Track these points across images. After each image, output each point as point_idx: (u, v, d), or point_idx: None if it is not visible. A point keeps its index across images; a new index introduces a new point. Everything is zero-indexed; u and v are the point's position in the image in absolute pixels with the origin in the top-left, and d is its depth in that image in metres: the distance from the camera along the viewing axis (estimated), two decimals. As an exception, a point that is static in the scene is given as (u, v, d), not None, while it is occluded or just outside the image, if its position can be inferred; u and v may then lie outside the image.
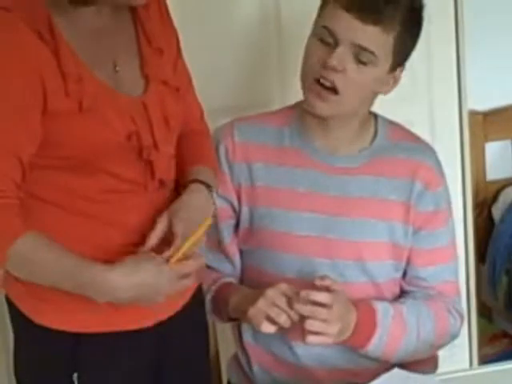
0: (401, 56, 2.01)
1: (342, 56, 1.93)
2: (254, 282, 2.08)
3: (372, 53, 1.95)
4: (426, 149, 2.15)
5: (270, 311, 1.89)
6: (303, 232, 2.03)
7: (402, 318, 2.02)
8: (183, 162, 1.92)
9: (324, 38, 1.95)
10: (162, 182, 1.82)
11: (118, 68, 1.76)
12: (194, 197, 1.84)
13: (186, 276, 1.73)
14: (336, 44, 1.94)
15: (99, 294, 1.68)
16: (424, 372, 2.02)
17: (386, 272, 2.07)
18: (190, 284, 1.77)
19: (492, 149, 3.57)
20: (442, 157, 2.89)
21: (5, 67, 1.63)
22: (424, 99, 2.90)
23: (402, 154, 2.07)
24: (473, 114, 3.28)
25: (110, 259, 1.73)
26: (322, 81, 1.95)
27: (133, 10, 1.82)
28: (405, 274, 2.10)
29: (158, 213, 1.80)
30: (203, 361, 2.03)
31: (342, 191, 2.03)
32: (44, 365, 1.81)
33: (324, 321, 1.89)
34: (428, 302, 2.06)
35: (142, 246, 1.76)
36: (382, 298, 2.05)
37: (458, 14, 2.88)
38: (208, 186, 1.88)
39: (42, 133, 1.68)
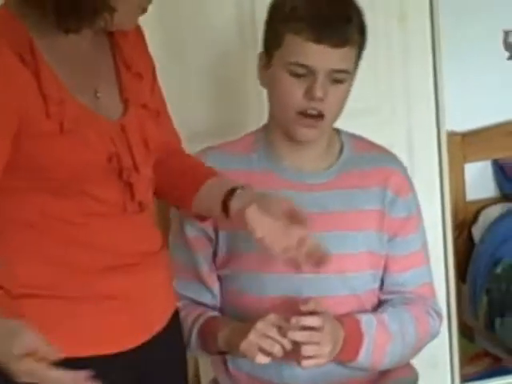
0: (359, 56, 2.08)
1: (324, 85, 1.97)
2: (236, 307, 2.08)
3: (346, 71, 2.00)
4: (392, 157, 2.19)
5: (262, 343, 1.89)
6: None
7: (385, 327, 2.03)
8: (192, 180, 1.93)
9: (296, 71, 1.97)
10: (140, 204, 1.82)
11: (98, 94, 1.77)
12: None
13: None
14: (311, 73, 1.96)
15: None
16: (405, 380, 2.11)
17: (365, 283, 2.08)
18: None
19: (471, 169, 3.60)
20: (421, 178, 2.93)
21: None
22: (403, 122, 2.92)
23: (370, 165, 2.12)
24: (451, 135, 3.29)
25: (88, 281, 1.73)
26: (309, 111, 1.98)
27: (110, 36, 1.83)
28: (381, 283, 2.12)
29: (138, 235, 1.81)
30: (184, 375, 2.02)
31: (318, 207, 2.05)
32: None
33: (317, 343, 1.91)
34: (407, 307, 2.08)
35: (122, 267, 1.77)
36: (363, 310, 2.07)
37: (435, 39, 2.90)
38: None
39: (8, 157, 1.68)
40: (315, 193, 2.07)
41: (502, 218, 3.44)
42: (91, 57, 1.80)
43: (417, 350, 2.12)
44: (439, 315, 2.17)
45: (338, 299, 2.05)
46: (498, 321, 3.28)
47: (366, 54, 2.81)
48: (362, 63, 2.82)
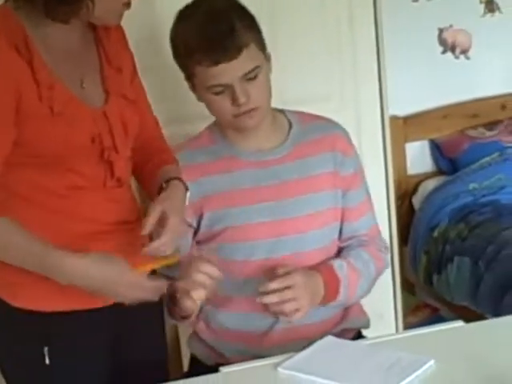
0: (262, 42, 2.07)
1: (242, 90, 1.98)
2: (223, 273, 2.02)
3: (256, 67, 2.00)
4: (335, 124, 2.21)
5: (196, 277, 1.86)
6: (257, 220, 2.07)
7: (353, 267, 2.09)
8: (153, 164, 1.95)
9: (216, 91, 1.99)
10: (119, 180, 1.84)
11: (84, 85, 1.79)
12: (175, 190, 1.87)
13: (144, 289, 1.73)
14: (229, 87, 1.98)
15: (62, 276, 1.67)
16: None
17: (331, 235, 2.13)
18: (146, 298, 1.74)
19: (411, 148, 3.62)
20: (368, 156, 2.97)
21: None
22: (351, 108, 2.94)
23: (317, 133, 2.14)
24: (394, 118, 3.33)
25: (72, 245, 1.75)
26: (242, 111, 2.01)
27: (95, 32, 1.85)
28: (340, 233, 2.16)
29: (117, 207, 1.84)
30: (158, 335, 2.03)
31: (278, 179, 2.08)
32: (19, 341, 1.82)
33: (294, 299, 1.95)
34: (365, 248, 2.14)
35: (102, 234, 1.81)
36: (331, 257, 2.13)
37: (378, 35, 2.92)
38: (181, 180, 1.91)
39: (15, 135, 1.71)
40: (274, 167, 2.09)
41: (437, 189, 3.47)
42: (79, 50, 1.81)
43: (375, 281, 2.19)
44: (387, 248, 2.26)
45: (312, 253, 2.09)
46: (435, 277, 3.31)
47: (319, 50, 2.87)
48: (316, 59, 2.88)
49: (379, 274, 2.21)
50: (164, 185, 1.87)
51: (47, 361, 1.78)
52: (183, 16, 2.01)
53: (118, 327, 1.89)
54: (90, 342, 1.83)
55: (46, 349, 1.78)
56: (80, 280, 1.69)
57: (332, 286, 2.05)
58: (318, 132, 2.15)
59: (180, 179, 1.91)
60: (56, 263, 1.68)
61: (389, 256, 2.28)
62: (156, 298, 1.76)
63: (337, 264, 2.09)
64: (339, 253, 2.16)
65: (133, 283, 1.71)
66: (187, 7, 2.01)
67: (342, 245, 2.17)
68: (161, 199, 1.82)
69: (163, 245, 1.77)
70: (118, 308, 1.82)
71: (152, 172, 1.94)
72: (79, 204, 1.80)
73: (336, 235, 2.16)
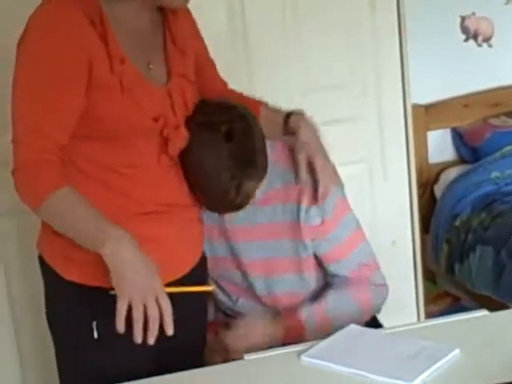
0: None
1: None
2: None
3: None
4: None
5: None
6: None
7: (326, 315, 2.02)
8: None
9: None
10: (171, 159, 1.85)
11: (151, 66, 1.82)
12: (305, 129, 1.98)
13: (153, 300, 1.67)
14: None
15: (107, 246, 1.65)
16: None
17: (297, 283, 2.06)
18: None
19: (433, 136, 3.61)
20: (390, 145, 2.97)
21: (59, 44, 1.69)
22: (373, 96, 2.93)
23: (281, 182, 1.99)
24: (416, 107, 3.31)
25: (123, 224, 1.74)
26: None
27: (163, 14, 1.87)
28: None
29: (172, 188, 1.85)
30: (202, 321, 2.04)
31: (249, 221, 2.00)
32: (69, 314, 1.84)
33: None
34: (349, 288, 2.04)
35: (154, 215, 1.82)
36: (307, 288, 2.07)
37: (401, 23, 2.90)
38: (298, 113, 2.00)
39: (84, 104, 1.73)
40: (249, 208, 1.98)
41: (459, 178, 3.46)
42: (147, 31, 1.84)
43: (364, 319, 2.06)
44: (381, 285, 2.10)
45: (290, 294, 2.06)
46: (457, 266, 3.30)
47: (341, 36, 2.86)
48: (338, 45, 2.87)
49: (366, 313, 2.07)
50: (290, 122, 1.97)
51: (95, 335, 1.80)
52: None
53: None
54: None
55: (94, 323, 1.79)
56: (124, 253, 1.65)
57: (294, 331, 2.00)
58: (286, 179, 1.99)
59: (294, 111, 1.99)
60: (111, 231, 1.67)
61: (382, 292, 2.10)
62: (154, 328, 1.69)
63: (304, 313, 2.02)
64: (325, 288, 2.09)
65: (155, 290, 1.66)
66: None
67: (327, 280, 2.09)
68: (299, 148, 1.94)
69: (326, 188, 1.94)
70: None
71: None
72: (136, 183, 1.81)
73: (304, 283, 2.06)
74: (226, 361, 1.93)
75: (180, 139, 1.84)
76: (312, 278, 2.07)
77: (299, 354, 1.76)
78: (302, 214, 1.99)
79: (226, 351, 2.00)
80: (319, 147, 2.00)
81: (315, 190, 1.96)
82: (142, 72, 1.78)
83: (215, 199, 1.90)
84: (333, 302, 2.03)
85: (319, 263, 2.07)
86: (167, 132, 1.81)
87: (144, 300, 1.64)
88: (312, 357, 1.74)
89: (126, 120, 1.76)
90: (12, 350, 2.68)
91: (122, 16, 1.78)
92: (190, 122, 1.87)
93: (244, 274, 2.06)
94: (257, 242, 2.04)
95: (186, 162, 1.88)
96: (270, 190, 1.98)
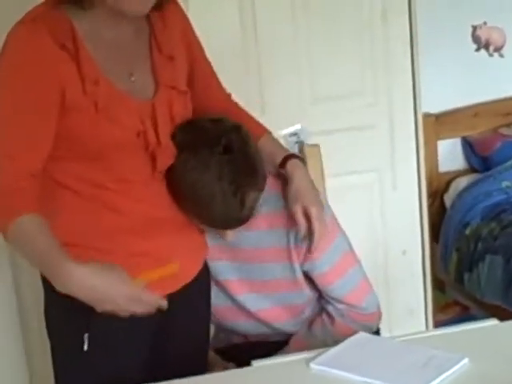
0: None
1: None
2: None
3: None
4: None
5: None
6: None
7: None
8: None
9: None
10: (163, 175, 1.83)
11: (133, 78, 1.77)
12: (299, 175, 1.93)
13: (141, 302, 1.67)
14: None
15: (58, 283, 1.63)
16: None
17: (289, 300, 2.08)
18: (143, 311, 1.69)
19: (443, 146, 3.60)
20: (400, 153, 2.97)
21: (28, 72, 1.67)
22: (384, 105, 2.93)
23: (274, 207, 1.97)
24: (426, 116, 3.31)
25: (114, 239, 1.76)
26: None
27: (149, 19, 1.81)
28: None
29: (162, 202, 1.82)
30: (203, 326, 2.04)
31: (233, 244, 1.99)
32: (62, 324, 1.83)
33: None
34: (335, 327, 2.04)
35: (146, 230, 1.80)
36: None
37: (412, 32, 2.90)
38: (293, 156, 1.96)
39: (56, 128, 1.70)
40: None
41: (469, 187, 3.44)
42: (129, 41, 1.79)
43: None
44: (370, 316, 2.07)
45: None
46: (466, 275, 3.29)
47: (352, 45, 2.86)
48: (350, 54, 2.87)
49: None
50: (284, 171, 1.92)
51: (85, 347, 1.78)
52: None
53: (159, 318, 1.88)
54: (130, 332, 1.82)
55: (86, 335, 1.78)
56: (80, 288, 1.63)
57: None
58: (275, 205, 1.98)
59: (292, 155, 1.94)
60: (58, 269, 1.63)
61: (375, 320, 2.08)
62: (152, 311, 1.70)
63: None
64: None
65: (132, 295, 1.65)
66: None
67: (321, 303, 2.09)
68: (294, 197, 1.90)
69: (321, 236, 1.90)
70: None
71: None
72: (123, 199, 1.79)
73: (297, 301, 2.07)
74: None
75: (166, 155, 1.80)
76: (306, 292, 2.07)
77: (308, 361, 1.75)
78: (292, 238, 1.98)
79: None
80: (314, 196, 1.94)
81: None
82: (121, 88, 1.74)
83: (220, 217, 1.83)
84: (318, 339, 2.04)
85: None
86: (152, 148, 1.77)
87: (125, 309, 1.65)
88: (321, 364, 1.73)
89: (105, 138, 1.72)
90: (18, 346, 2.69)
91: (95, 29, 1.73)
92: (182, 143, 1.81)
93: (225, 292, 2.07)
94: (236, 263, 2.03)
95: (181, 186, 1.81)
96: (256, 214, 1.90)
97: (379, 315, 2.09)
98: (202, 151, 1.79)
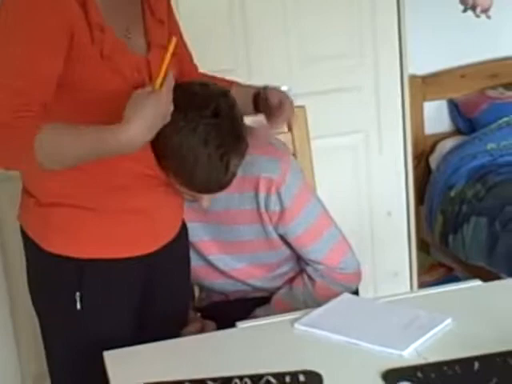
0: None
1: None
2: None
3: None
4: (262, 163, 2.00)
5: None
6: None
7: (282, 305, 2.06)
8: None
9: None
10: None
11: (129, 35, 1.79)
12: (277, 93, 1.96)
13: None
14: None
15: (127, 148, 1.63)
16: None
17: (265, 259, 2.10)
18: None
19: (430, 107, 3.59)
20: (386, 115, 2.96)
21: (39, 14, 1.65)
22: (370, 67, 2.92)
23: (244, 171, 1.95)
24: (412, 77, 3.30)
25: (103, 197, 1.77)
26: None
27: None
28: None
29: (147, 159, 1.81)
30: (185, 287, 2.06)
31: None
32: (52, 286, 1.83)
33: None
34: (315, 290, 2.05)
35: (134, 188, 1.81)
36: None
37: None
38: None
39: (61, 70, 1.69)
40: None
41: (455, 149, 3.44)
42: (126, 3, 1.81)
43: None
44: (350, 276, 2.08)
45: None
46: (451, 237, 3.30)
47: (339, 7, 2.84)
48: (335, 15, 2.85)
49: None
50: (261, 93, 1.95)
51: (78, 306, 1.79)
52: None
53: (148, 277, 1.90)
54: (120, 290, 1.84)
55: (77, 294, 1.79)
56: (143, 135, 1.63)
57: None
58: (245, 169, 1.95)
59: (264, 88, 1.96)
60: (120, 141, 1.62)
61: (349, 280, 2.08)
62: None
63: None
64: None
65: (165, 97, 1.66)
66: None
67: (302, 266, 2.10)
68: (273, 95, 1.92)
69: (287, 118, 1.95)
70: (149, 258, 1.85)
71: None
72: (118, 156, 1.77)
73: (272, 259, 2.09)
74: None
75: None
76: (283, 250, 2.08)
77: (292, 322, 1.76)
78: (262, 202, 1.99)
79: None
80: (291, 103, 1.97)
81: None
82: (122, 40, 1.75)
83: (202, 181, 1.83)
84: (299, 299, 2.05)
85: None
86: None
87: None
88: (305, 325, 1.74)
89: (108, 87, 1.72)
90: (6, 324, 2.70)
91: None
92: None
93: (199, 253, 2.08)
94: (208, 225, 2.04)
95: (167, 145, 1.80)
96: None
97: (359, 275, 2.11)
98: (190, 113, 1.79)
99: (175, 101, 1.76)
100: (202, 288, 2.22)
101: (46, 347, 1.93)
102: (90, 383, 1.83)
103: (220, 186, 1.86)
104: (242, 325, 1.79)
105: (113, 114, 1.71)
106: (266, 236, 2.05)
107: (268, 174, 1.98)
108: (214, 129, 1.79)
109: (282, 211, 2.01)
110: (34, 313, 1.92)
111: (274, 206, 2.00)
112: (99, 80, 1.72)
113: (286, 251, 2.09)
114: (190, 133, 1.78)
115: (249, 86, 2.02)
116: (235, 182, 1.92)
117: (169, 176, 1.85)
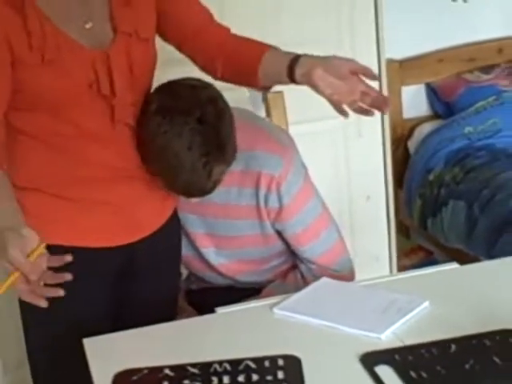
0: None
1: None
2: None
3: None
4: (264, 159, 1.98)
5: None
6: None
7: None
8: (250, 57, 1.84)
9: None
10: (127, 125, 1.81)
11: (88, 26, 1.74)
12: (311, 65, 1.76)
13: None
14: None
15: None
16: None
17: (260, 254, 2.10)
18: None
19: (408, 92, 3.60)
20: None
21: None
22: (347, 51, 2.91)
23: (245, 166, 1.96)
24: (390, 62, 3.31)
25: (83, 188, 1.77)
26: None
27: None
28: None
29: (126, 151, 1.81)
30: (172, 275, 2.05)
31: (207, 199, 1.95)
32: None
33: None
34: (306, 282, 2.03)
35: (112, 179, 1.80)
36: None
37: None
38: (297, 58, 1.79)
39: (11, 84, 1.68)
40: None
41: (433, 133, 3.46)
42: None
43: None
44: (340, 277, 2.02)
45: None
46: (429, 220, 3.32)
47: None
48: (313, 0, 2.84)
49: None
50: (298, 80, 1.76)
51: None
52: None
53: (128, 266, 1.90)
54: (92, 277, 1.83)
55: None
56: None
57: None
58: (246, 164, 1.96)
59: (295, 58, 1.78)
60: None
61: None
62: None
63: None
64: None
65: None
66: None
67: (296, 263, 2.10)
68: (320, 72, 1.73)
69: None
70: (127, 248, 1.85)
71: (256, 63, 1.82)
72: (88, 148, 1.78)
73: (263, 254, 2.09)
74: None
75: (124, 105, 1.77)
76: (277, 245, 2.08)
77: (272, 306, 1.76)
78: (261, 198, 1.98)
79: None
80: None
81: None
82: (74, 37, 1.71)
83: (184, 185, 1.82)
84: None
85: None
86: (109, 98, 1.75)
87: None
88: (284, 309, 1.75)
89: (57, 91, 1.70)
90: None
91: None
92: (158, 105, 1.79)
93: (192, 244, 2.08)
94: (204, 218, 2.04)
95: (150, 147, 1.79)
96: (227, 171, 1.89)
97: (352, 276, 2.10)
98: (176, 118, 1.77)
99: (161, 103, 1.77)
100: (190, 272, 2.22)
101: (24, 334, 1.92)
102: (67, 370, 1.83)
103: (201, 192, 1.85)
104: (221, 310, 1.79)
105: (73, 113, 1.72)
106: (262, 232, 2.04)
107: (270, 171, 1.97)
108: (199, 136, 1.77)
109: (281, 208, 2.00)
110: (14, 298, 1.91)
111: (273, 203, 1.99)
112: (47, 85, 1.69)
113: (281, 246, 2.09)
114: (175, 137, 1.77)
115: (284, 54, 1.84)
116: (235, 176, 1.93)
117: (153, 175, 1.85)
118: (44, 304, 1.53)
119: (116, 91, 1.75)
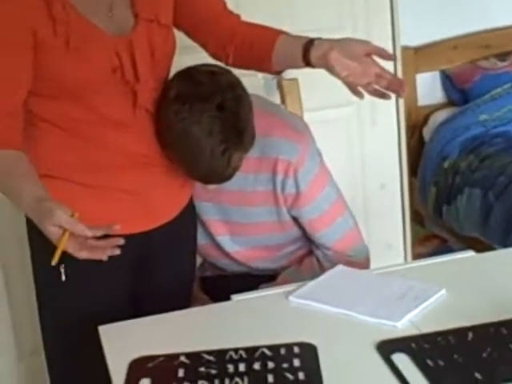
0: None
1: None
2: None
3: None
4: (281, 144, 1.97)
5: None
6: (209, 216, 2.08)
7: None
8: (264, 42, 1.84)
9: None
10: (147, 111, 1.81)
11: (110, 14, 1.75)
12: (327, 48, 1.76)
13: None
14: None
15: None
16: None
17: (274, 241, 2.09)
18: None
19: (423, 79, 3.59)
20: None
21: (1, 14, 1.64)
22: (362, 37, 2.87)
23: (261, 152, 1.96)
24: (405, 49, 3.29)
25: (101, 175, 1.77)
26: None
27: None
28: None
29: (146, 138, 1.81)
30: (188, 261, 2.05)
31: (223, 186, 1.95)
32: (40, 260, 1.85)
33: None
34: (322, 268, 2.03)
35: (132, 167, 1.80)
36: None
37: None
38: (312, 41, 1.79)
39: (31, 68, 1.69)
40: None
41: (448, 120, 3.44)
42: None
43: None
44: (357, 265, 2.01)
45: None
46: (444, 208, 3.31)
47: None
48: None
49: None
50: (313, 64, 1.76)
51: (63, 278, 1.78)
52: None
53: (143, 254, 1.90)
54: (109, 264, 1.82)
55: (62, 266, 1.76)
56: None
57: None
58: (263, 150, 1.96)
59: (309, 42, 1.78)
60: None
61: (363, 269, 2.03)
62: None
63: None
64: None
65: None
66: None
67: (312, 248, 2.10)
68: (336, 54, 1.73)
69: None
70: (142, 236, 1.84)
71: (270, 48, 1.82)
72: (109, 135, 1.78)
73: (279, 241, 2.09)
74: None
75: (147, 90, 1.78)
76: (293, 232, 2.08)
77: (287, 294, 1.76)
78: (278, 184, 1.98)
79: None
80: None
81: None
82: (97, 24, 1.72)
83: (203, 172, 1.83)
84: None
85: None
86: (132, 84, 1.75)
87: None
88: (300, 297, 1.74)
89: (81, 77, 1.70)
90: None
91: None
92: (177, 92, 1.79)
93: (207, 231, 2.08)
94: (220, 205, 2.03)
95: (169, 134, 1.80)
96: (244, 158, 1.88)
97: (368, 263, 2.10)
98: (195, 105, 1.77)
99: (180, 90, 1.76)
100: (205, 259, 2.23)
101: (40, 321, 1.93)
102: (82, 358, 1.84)
103: (220, 178, 1.86)
104: (236, 297, 1.79)
105: (94, 98, 1.72)
106: (278, 218, 2.04)
107: (286, 157, 1.96)
108: (218, 122, 1.77)
109: (298, 194, 2.00)
110: (30, 286, 1.92)
111: (290, 189, 1.99)
112: (70, 70, 1.69)
113: (296, 232, 2.09)
114: (194, 124, 1.77)
115: (298, 38, 1.84)
116: (252, 162, 1.93)
117: (172, 162, 1.85)
118: (105, 257, 1.56)
119: (139, 76, 1.76)
